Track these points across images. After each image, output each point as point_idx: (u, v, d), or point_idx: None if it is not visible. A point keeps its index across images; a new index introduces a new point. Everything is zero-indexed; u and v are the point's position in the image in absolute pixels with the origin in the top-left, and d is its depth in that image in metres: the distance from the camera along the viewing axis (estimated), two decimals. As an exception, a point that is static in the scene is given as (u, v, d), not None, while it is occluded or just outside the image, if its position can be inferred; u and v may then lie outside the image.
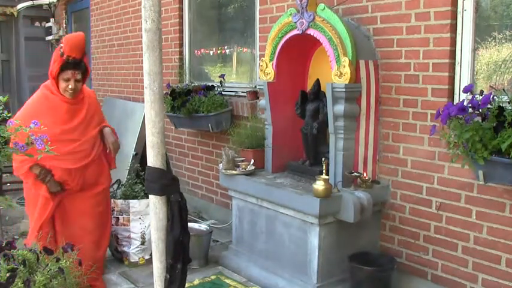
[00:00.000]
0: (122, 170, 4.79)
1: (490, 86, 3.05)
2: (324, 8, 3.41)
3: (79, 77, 3.32)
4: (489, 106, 2.65)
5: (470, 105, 2.69)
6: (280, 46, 3.74)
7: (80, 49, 3.28)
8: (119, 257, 4.08)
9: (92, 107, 3.55)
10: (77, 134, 3.39)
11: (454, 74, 3.16)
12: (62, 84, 3.30)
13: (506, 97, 2.70)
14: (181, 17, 5.55)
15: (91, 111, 3.52)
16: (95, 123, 3.54)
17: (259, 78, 4.02)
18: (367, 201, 3.28)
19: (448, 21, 3.11)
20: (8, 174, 6.91)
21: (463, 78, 3.13)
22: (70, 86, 3.29)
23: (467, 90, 2.81)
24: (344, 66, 3.29)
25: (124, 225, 3.99)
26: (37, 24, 9.34)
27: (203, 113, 4.62)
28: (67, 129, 3.35)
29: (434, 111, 3.01)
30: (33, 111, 3.29)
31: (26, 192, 3.50)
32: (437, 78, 3.19)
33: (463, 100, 2.82)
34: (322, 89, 3.69)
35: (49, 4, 8.93)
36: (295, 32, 3.60)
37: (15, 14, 9.38)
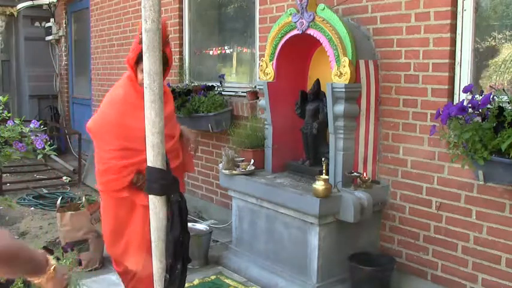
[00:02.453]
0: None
1: (490, 86, 3.05)
2: (324, 8, 3.41)
3: None
4: (489, 106, 2.65)
5: (470, 105, 2.69)
6: (280, 46, 3.74)
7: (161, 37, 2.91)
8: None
9: (173, 102, 3.17)
10: (169, 129, 2.91)
11: (454, 74, 3.16)
12: (140, 75, 2.84)
13: (506, 97, 2.70)
14: (181, 17, 5.56)
15: (173, 107, 3.15)
16: (175, 120, 3.16)
17: (259, 78, 4.02)
18: (367, 201, 3.28)
19: (448, 21, 3.11)
20: (8, 174, 6.94)
21: (463, 78, 3.13)
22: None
23: (467, 90, 2.82)
24: (344, 66, 3.30)
25: (124, 225, 3.98)
26: (37, 24, 9.35)
27: (203, 113, 4.62)
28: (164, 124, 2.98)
29: (434, 111, 3.01)
30: (129, 106, 2.85)
31: (114, 210, 2.87)
32: (437, 78, 3.19)
33: (463, 100, 2.83)
34: (322, 89, 3.69)
35: (49, 4, 8.93)
36: (295, 32, 3.60)
37: (15, 14, 9.38)
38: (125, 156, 2.72)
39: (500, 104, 2.64)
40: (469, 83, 3.05)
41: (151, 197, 2.07)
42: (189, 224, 3.53)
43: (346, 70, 3.28)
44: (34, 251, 1.41)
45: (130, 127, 2.71)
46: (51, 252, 2.46)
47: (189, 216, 3.08)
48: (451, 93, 3.16)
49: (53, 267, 1.44)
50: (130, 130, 2.70)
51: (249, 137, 4.06)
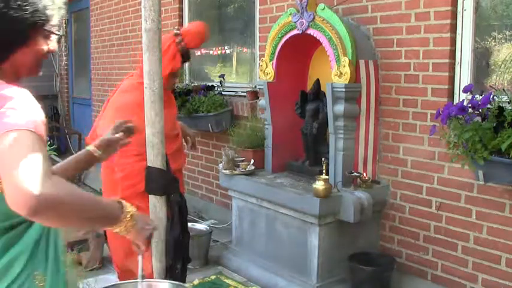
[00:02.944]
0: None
1: (490, 86, 3.05)
2: (324, 7, 3.41)
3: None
4: (489, 106, 2.65)
5: (470, 105, 2.69)
6: (280, 46, 3.74)
7: (204, 40, 2.92)
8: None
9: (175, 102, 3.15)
10: (176, 129, 2.98)
11: (454, 74, 3.16)
12: (171, 80, 2.87)
13: (506, 97, 2.70)
14: (181, 17, 5.55)
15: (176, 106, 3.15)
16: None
17: (259, 78, 4.02)
18: (367, 201, 3.28)
19: (448, 21, 3.11)
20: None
21: (463, 78, 3.13)
22: (177, 80, 2.77)
23: (467, 90, 2.82)
24: (344, 66, 3.29)
25: (124, 225, 3.98)
26: (37, 24, 9.35)
27: (203, 113, 4.62)
28: (173, 123, 2.95)
29: (434, 111, 3.01)
30: (143, 110, 2.78)
31: None
32: (437, 78, 3.19)
33: (463, 100, 2.83)
34: (322, 89, 3.69)
35: (49, 4, 8.92)
36: (295, 31, 3.60)
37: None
38: (142, 160, 2.71)
39: (500, 104, 2.64)
40: (469, 83, 3.05)
41: (151, 197, 2.07)
42: (189, 224, 3.52)
43: (346, 70, 3.28)
44: (101, 198, 1.35)
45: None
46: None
47: (189, 216, 3.07)
48: (451, 93, 3.16)
49: (129, 214, 1.36)
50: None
51: (249, 137, 4.06)
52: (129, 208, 1.37)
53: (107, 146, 1.85)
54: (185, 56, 2.85)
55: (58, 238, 1.39)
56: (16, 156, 1.11)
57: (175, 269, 2.12)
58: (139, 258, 1.47)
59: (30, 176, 1.08)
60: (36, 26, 1.33)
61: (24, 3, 1.29)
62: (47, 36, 1.38)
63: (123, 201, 1.38)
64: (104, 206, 1.32)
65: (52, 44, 1.40)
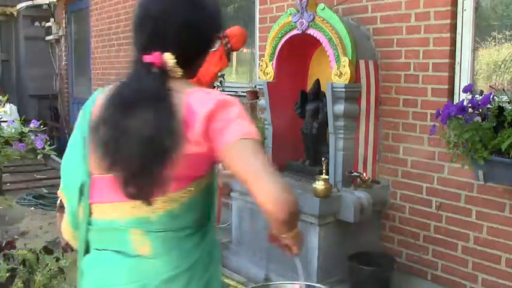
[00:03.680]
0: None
1: (490, 86, 3.05)
2: (324, 7, 3.41)
3: None
4: (489, 106, 2.65)
5: (470, 105, 2.70)
6: (280, 46, 3.74)
7: (245, 43, 3.22)
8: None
9: None
10: None
11: (454, 74, 3.16)
12: (214, 80, 3.20)
13: (506, 97, 2.71)
14: (181, 17, 5.55)
15: None
16: None
17: (259, 78, 4.02)
18: (367, 201, 3.28)
19: (448, 21, 3.11)
20: (8, 174, 6.94)
21: (463, 78, 3.13)
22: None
23: (467, 90, 2.82)
24: (344, 66, 3.29)
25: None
26: (37, 24, 9.36)
27: (203, 112, 4.62)
28: None
29: (434, 111, 3.01)
30: None
31: None
32: (437, 78, 3.19)
33: (463, 100, 2.83)
34: (322, 89, 3.68)
35: (49, 4, 8.94)
36: (295, 31, 3.60)
37: (15, 13, 9.39)
38: None
39: (500, 104, 2.64)
40: (469, 82, 3.05)
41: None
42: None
43: (346, 70, 3.28)
44: None
45: None
46: (51, 252, 2.46)
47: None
48: (451, 93, 3.16)
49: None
50: None
51: (249, 137, 4.06)
52: None
53: None
54: (228, 57, 3.14)
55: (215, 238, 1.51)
56: (261, 164, 1.19)
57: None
58: (297, 260, 1.65)
59: (282, 183, 1.17)
60: (216, 35, 1.44)
61: (213, 18, 1.37)
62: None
63: None
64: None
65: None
